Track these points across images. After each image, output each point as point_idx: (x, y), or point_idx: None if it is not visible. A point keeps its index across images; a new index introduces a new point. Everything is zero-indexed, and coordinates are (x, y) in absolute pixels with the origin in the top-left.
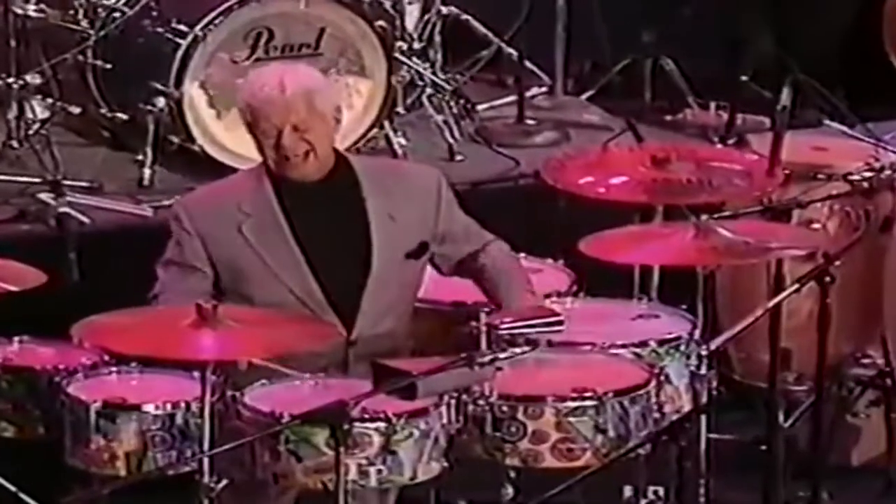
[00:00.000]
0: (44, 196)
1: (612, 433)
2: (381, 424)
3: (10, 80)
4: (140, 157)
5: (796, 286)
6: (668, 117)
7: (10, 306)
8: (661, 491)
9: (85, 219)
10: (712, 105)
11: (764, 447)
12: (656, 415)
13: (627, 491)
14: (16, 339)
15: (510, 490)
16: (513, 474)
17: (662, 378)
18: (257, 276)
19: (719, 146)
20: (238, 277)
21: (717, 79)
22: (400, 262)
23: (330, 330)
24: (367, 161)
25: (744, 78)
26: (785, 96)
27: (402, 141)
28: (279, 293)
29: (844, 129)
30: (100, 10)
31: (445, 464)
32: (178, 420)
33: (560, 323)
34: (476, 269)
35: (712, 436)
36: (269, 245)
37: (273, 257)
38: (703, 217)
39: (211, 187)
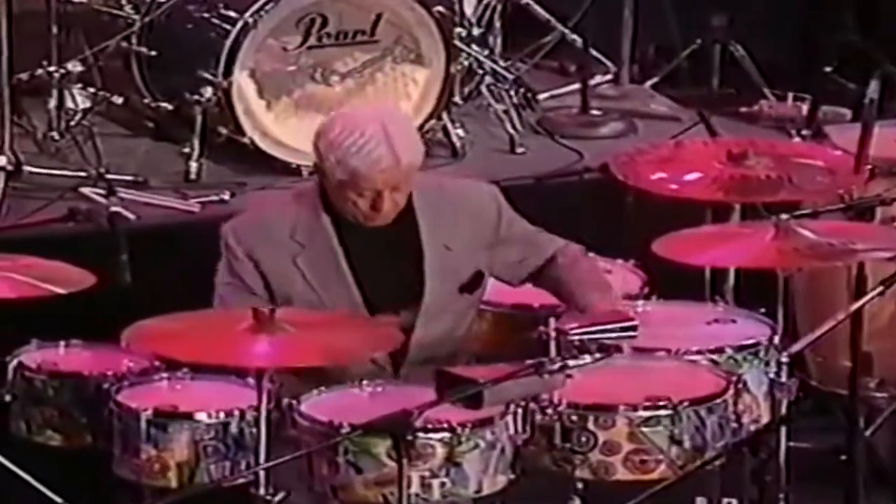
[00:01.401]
0: (89, 191)
1: (687, 444)
2: (446, 435)
3: (51, 68)
4: (186, 150)
5: (881, 288)
6: (743, 109)
7: (56, 309)
8: (735, 503)
9: (131, 215)
10: (790, 96)
11: (844, 456)
12: (734, 425)
13: (700, 503)
14: (62, 343)
15: (578, 503)
16: (580, 486)
17: (740, 386)
18: (307, 307)
19: (797, 140)
20: (287, 306)
21: (793, 68)
22: (453, 295)
23: (390, 335)
24: (422, 185)
25: (828, 69)
26: (873, 88)
27: (461, 133)
28: None
29: None
30: None
31: (512, 476)
32: (233, 429)
33: (634, 328)
34: (549, 280)
35: (789, 444)
36: (323, 279)
37: (327, 291)
38: (784, 216)
39: (258, 212)
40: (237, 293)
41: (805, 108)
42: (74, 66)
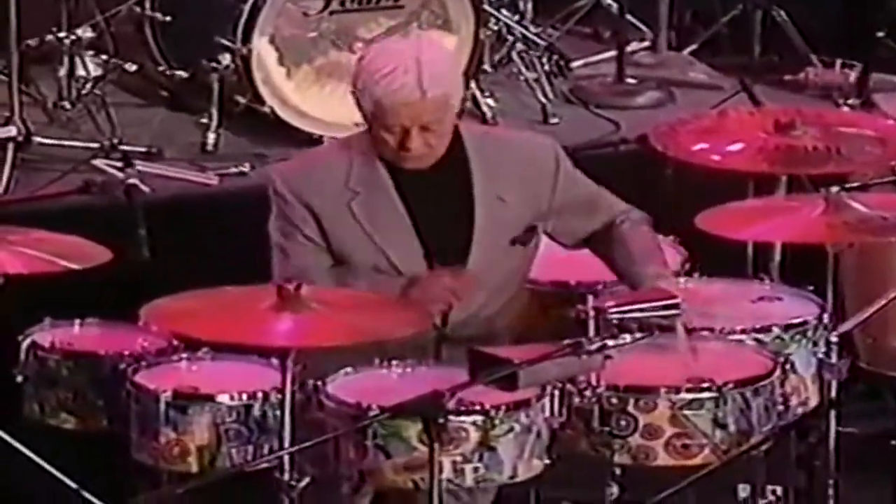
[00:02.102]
0: (102, 163)
1: (732, 428)
2: (479, 418)
3: (62, 34)
4: (203, 120)
5: None
6: (787, 77)
7: (71, 286)
8: (779, 491)
9: (146, 188)
10: (837, 63)
11: (894, 441)
12: (780, 408)
13: (743, 490)
14: (77, 321)
15: (615, 489)
16: (618, 471)
17: (787, 367)
18: (365, 256)
19: (846, 109)
20: (344, 256)
21: (840, 33)
22: (504, 247)
23: (422, 317)
24: (478, 135)
25: (880, 34)
26: None
27: (491, 102)
28: (387, 274)
29: None
30: None
31: (548, 461)
32: (255, 412)
33: (676, 306)
34: (604, 245)
35: (838, 429)
36: (380, 226)
37: (385, 239)
38: (833, 189)
39: (308, 158)
40: (296, 245)
41: (854, 75)
42: (85, 32)
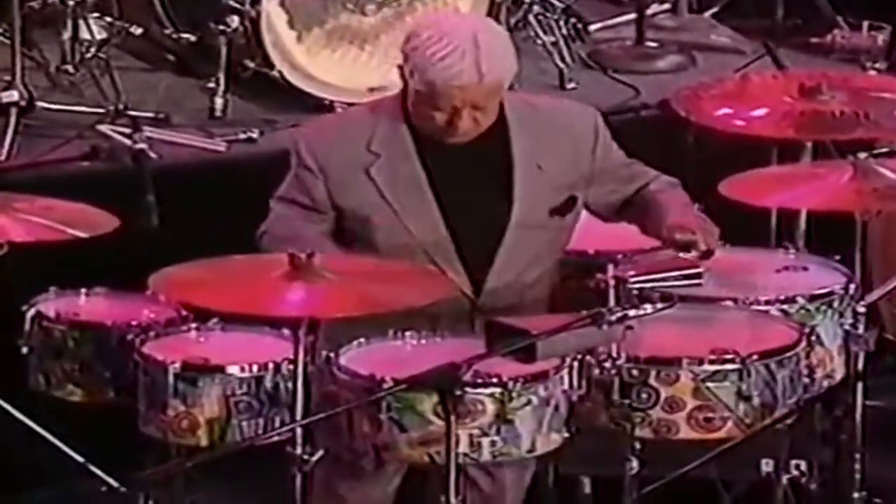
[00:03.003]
0: (108, 129)
1: (756, 401)
2: (496, 390)
3: None
4: (211, 85)
5: None
6: (813, 39)
7: (77, 254)
8: (804, 465)
9: (153, 154)
10: (865, 25)
11: None
12: (806, 380)
13: (766, 465)
14: (83, 291)
15: (635, 464)
16: (638, 446)
17: (813, 338)
18: (382, 222)
19: (874, 73)
20: (361, 221)
21: None
22: (544, 217)
23: (440, 285)
24: (518, 101)
25: None
26: None
27: None
28: (405, 241)
29: None
30: None
31: (566, 434)
32: (267, 384)
33: (698, 276)
34: (639, 209)
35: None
36: (397, 189)
37: (401, 204)
38: (862, 154)
39: (334, 119)
40: (293, 211)
41: (882, 37)
42: None
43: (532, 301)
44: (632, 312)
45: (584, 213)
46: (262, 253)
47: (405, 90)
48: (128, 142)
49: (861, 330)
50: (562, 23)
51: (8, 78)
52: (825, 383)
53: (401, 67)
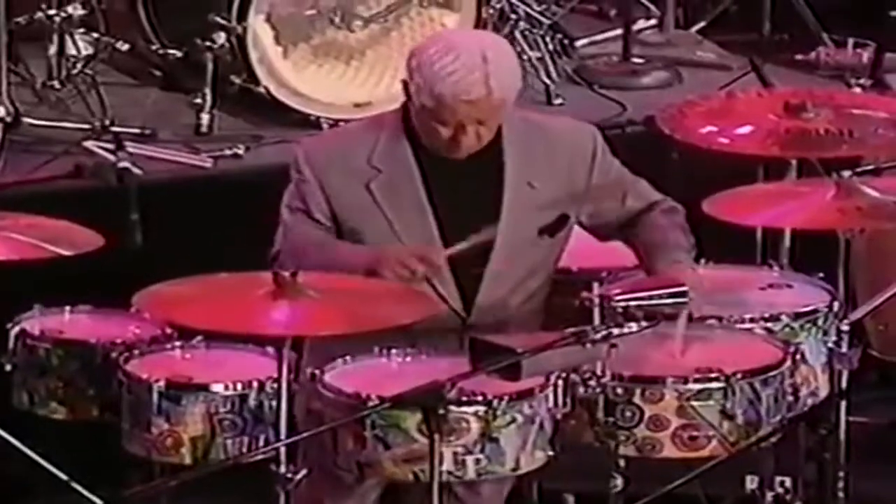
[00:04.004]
0: (93, 145)
1: (740, 419)
2: (480, 408)
3: (51, 11)
4: (197, 100)
5: None
6: (798, 56)
7: (61, 272)
8: (788, 482)
9: (139, 171)
10: (850, 42)
11: None
12: (790, 398)
13: (751, 482)
14: (67, 308)
15: (620, 481)
16: (623, 463)
17: (797, 356)
18: (379, 236)
19: (858, 90)
20: (357, 234)
21: (852, 11)
22: (533, 236)
23: (425, 304)
24: (515, 117)
25: (893, 13)
26: None
27: None
28: None
29: None
30: None
31: (551, 452)
32: (251, 402)
33: (684, 294)
34: (634, 233)
35: (849, 419)
36: (398, 206)
37: (400, 220)
38: (846, 173)
39: (336, 133)
40: (302, 221)
41: (866, 55)
42: (76, 10)
43: (522, 319)
44: (616, 331)
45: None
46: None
47: (406, 105)
48: (112, 159)
49: (845, 348)
50: (548, 38)
51: None
52: (809, 401)
53: (405, 83)
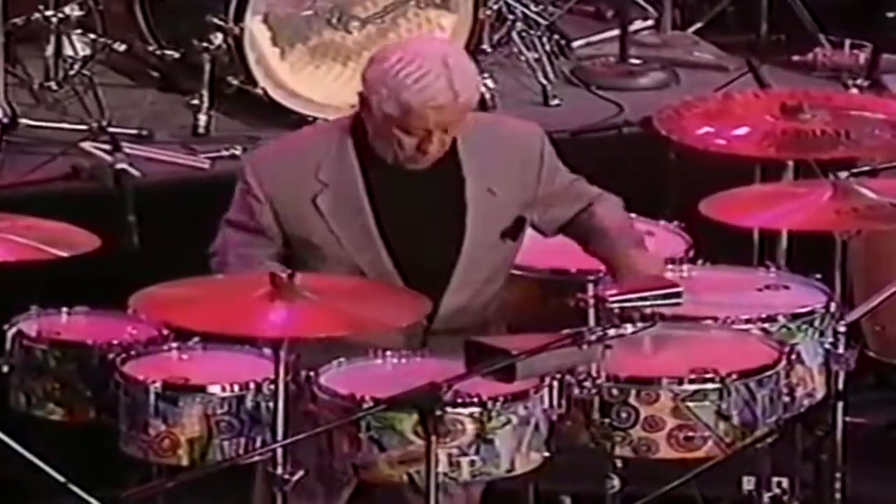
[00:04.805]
0: (91, 146)
1: (736, 420)
2: (476, 410)
3: (49, 12)
4: (194, 101)
5: None
6: (795, 57)
7: (58, 273)
8: (785, 483)
9: (136, 172)
10: (847, 43)
11: None
12: (786, 399)
13: (748, 482)
14: (64, 310)
15: (616, 482)
16: (619, 464)
17: (793, 357)
18: (329, 251)
19: (855, 91)
20: (307, 249)
21: (850, 12)
22: (495, 240)
23: (421, 304)
24: (468, 120)
25: (890, 14)
26: None
27: (490, 83)
28: (351, 270)
29: None
30: None
31: (546, 454)
32: (248, 403)
33: (678, 295)
34: (582, 230)
35: (846, 420)
36: (343, 221)
37: (347, 236)
38: (842, 174)
39: (284, 145)
40: (240, 235)
41: (863, 56)
42: (73, 11)
43: (484, 322)
44: (611, 332)
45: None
46: (213, 274)
47: (358, 116)
48: (109, 160)
49: (842, 349)
50: (545, 39)
51: None
52: (806, 402)
53: (363, 96)
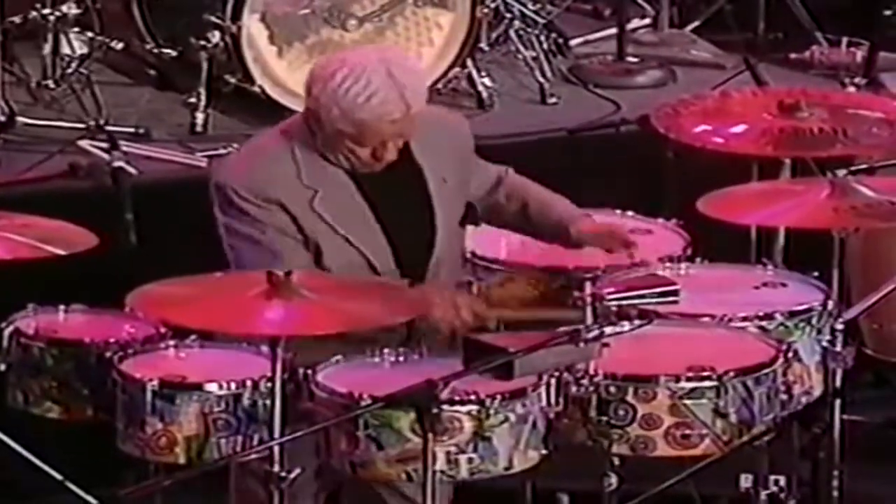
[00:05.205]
0: (88, 144)
1: (733, 418)
2: (473, 408)
3: (46, 11)
4: (191, 100)
5: None
6: (793, 55)
7: (56, 272)
8: (783, 481)
9: (133, 170)
10: (844, 41)
11: None
12: (783, 396)
13: (745, 480)
14: (62, 308)
15: (614, 479)
16: (617, 462)
17: (790, 355)
18: (334, 253)
19: (852, 89)
20: (311, 247)
21: (847, 10)
22: (457, 227)
23: (418, 301)
24: None
25: (887, 12)
26: None
27: (487, 82)
28: (355, 262)
29: None
30: None
31: (544, 451)
32: (245, 401)
33: (675, 293)
34: (498, 207)
35: (843, 417)
36: (346, 222)
37: (354, 235)
38: (840, 172)
39: (251, 154)
40: (259, 248)
41: (861, 54)
42: (70, 9)
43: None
44: (609, 329)
45: None
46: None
47: (308, 127)
48: (106, 158)
49: (839, 347)
50: (542, 38)
51: None
52: (803, 399)
53: (311, 111)
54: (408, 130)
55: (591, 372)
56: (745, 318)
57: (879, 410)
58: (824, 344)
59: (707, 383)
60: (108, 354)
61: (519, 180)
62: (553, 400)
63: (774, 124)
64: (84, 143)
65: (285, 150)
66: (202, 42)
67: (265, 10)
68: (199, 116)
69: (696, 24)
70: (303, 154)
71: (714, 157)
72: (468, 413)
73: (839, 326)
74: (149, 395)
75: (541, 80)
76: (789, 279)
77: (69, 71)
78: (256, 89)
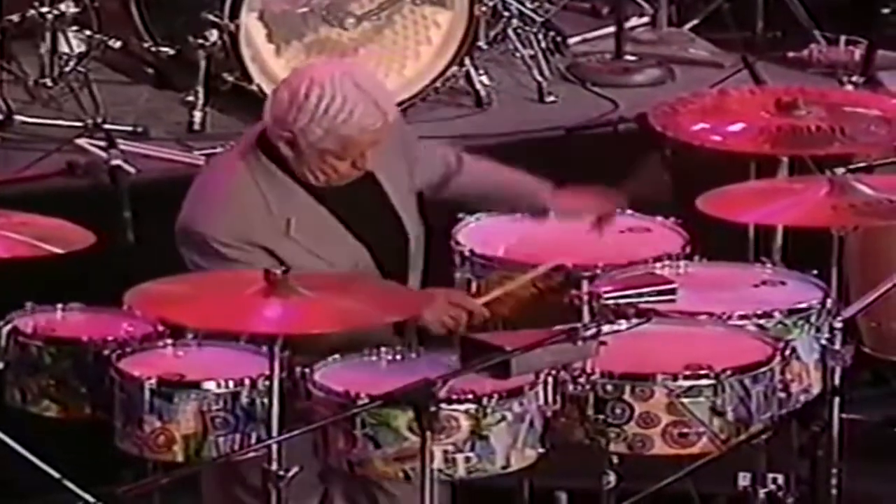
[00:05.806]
0: (86, 143)
1: (730, 416)
2: (470, 406)
3: (44, 9)
4: (189, 98)
5: None
6: (791, 53)
7: (54, 270)
8: (781, 479)
9: (131, 168)
10: (842, 39)
11: None
12: (781, 395)
13: (743, 479)
14: (60, 306)
15: (612, 478)
16: (614, 460)
17: (788, 353)
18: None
19: (850, 88)
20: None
21: (845, 8)
22: (419, 223)
23: (415, 300)
24: None
25: (885, 10)
26: None
27: (485, 80)
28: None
29: None
30: None
31: (541, 450)
32: (243, 399)
33: (673, 291)
34: (459, 185)
35: (842, 416)
36: (324, 245)
37: (335, 257)
38: (839, 170)
39: (215, 199)
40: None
41: (859, 52)
42: (68, 7)
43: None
44: (606, 328)
45: (561, 227)
46: None
47: (265, 147)
48: (104, 156)
49: (838, 345)
50: (541, 36)
51: None
52: (802, 398)
53: (288, 135)
54: (384, 137)
55: (589, 370)
56: (743, 317)
57: (878, 409)
58: (823, 342)
59: (704, 382)
60: (106, 353)
61: (476, 162)
62: (550, 398)
63: (772, 122)
64: (82, 142)
65: (249, 184)
66: (200, 40)
67: (263, 9)
68: (197, 115)
69: (694, 22)
70: (265, 182)
71: (711, 155)
72: (465, 412)
73: (838, 325)
74: (147, 394)
75: (539, 78)
76: (788, 277)
77: (67, 69)
78: (254, 88)
